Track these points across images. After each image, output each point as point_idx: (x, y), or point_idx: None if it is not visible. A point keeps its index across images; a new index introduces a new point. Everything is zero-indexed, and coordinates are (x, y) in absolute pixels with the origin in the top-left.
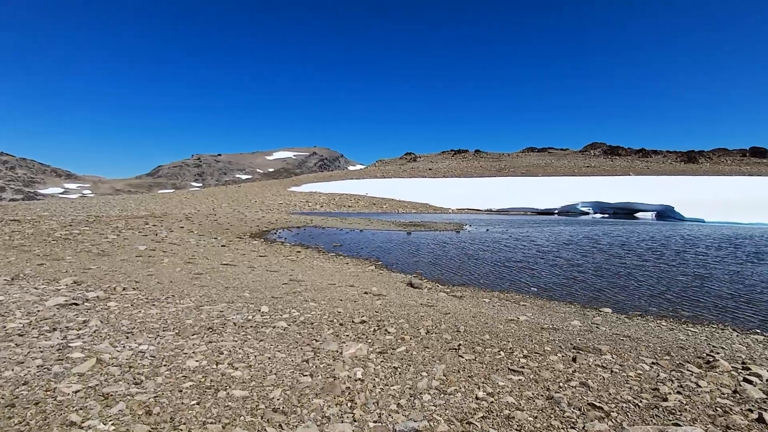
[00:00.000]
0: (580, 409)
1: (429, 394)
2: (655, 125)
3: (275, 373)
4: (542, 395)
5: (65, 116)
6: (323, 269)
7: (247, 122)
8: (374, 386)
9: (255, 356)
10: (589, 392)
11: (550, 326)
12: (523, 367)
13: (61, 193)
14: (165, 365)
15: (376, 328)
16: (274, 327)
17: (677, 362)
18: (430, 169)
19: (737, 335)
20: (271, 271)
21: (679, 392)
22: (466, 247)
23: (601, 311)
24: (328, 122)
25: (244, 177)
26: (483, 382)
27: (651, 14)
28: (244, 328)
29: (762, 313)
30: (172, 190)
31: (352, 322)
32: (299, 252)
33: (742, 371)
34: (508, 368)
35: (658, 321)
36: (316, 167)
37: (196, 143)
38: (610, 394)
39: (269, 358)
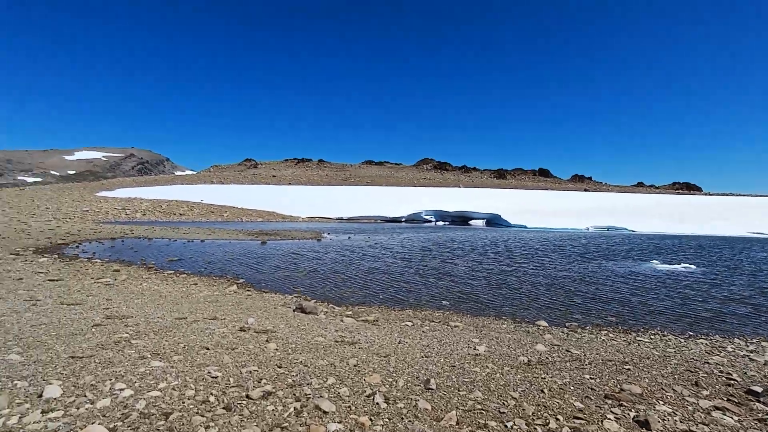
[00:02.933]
0: None
1: None
2: (473, 147)
3: None
4: None
5: None
6: (161, 295)
7: (38, 114)
8: None
9: None
10: None
11: (529, 358)
12: None
13: None
14: None
15: (298, 405)
16: None
17: (728, 396)
18: (274, 176)
19: (687, 340)
20: (71, 305)
21: None
22: (336, 258)
23: (538, 326)
24: (149, 121)
25: (30, 180)
26: None
27: (463, 48)
28: None
29: (668, 315)
30: None
31: (248, 397)
32: (118, 271)
33: None
34: None
35: (605, 332)
36: (134, 171)
37: None
38: None
39: None
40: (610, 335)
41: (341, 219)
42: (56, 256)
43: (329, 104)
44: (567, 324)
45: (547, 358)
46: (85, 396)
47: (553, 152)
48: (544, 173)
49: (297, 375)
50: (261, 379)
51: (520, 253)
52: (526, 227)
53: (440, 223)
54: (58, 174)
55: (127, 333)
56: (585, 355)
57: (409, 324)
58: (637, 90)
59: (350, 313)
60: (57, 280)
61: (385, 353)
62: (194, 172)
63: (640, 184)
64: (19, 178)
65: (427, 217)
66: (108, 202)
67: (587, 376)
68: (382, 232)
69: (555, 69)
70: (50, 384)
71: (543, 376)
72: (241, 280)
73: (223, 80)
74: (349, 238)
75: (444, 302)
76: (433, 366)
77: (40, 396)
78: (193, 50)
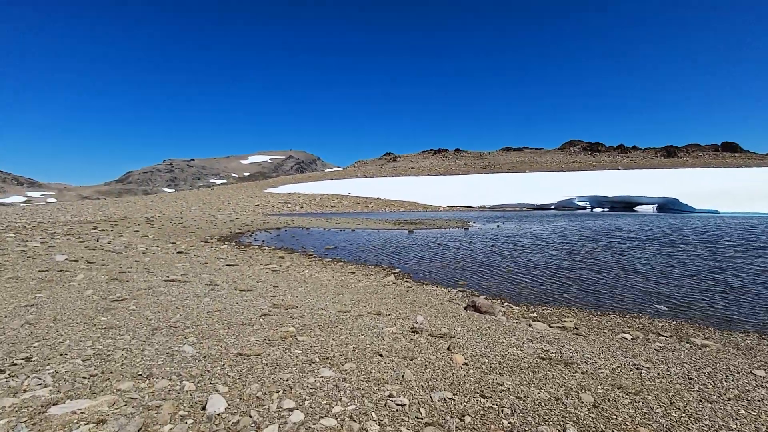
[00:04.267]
0: None
1: None
2: (632, 123)
3: None
4: None
5: (26, 120)
6: (322, 283)
7: (221, 127)
8: None
9: None
10: None
11: None
12: None
13: (23, 202)
14: None
15: None
16: None
17: None
18: (412, 168)
19: None
20: (243, 290)
21: None
22: (489, 248)
23: None
24: (303, 126)
25: (218, 182)
26: None
27: (622, 26)
28: None
29: None
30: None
31: None
32: (282, 258)
33: None
34: None
35: None
36: (292, 170)
37: (168, 148)
38: None
39: None
40: None
41: (483, 207)
42: (234, 243)
43: (464, 93)
44: None
45: None
46: (250, 416)
47: (742, 122)
48: (730, 147)
49: (512, 413)
50: (464, 416)
51: (725, 245)
52: (719, 213)
53: (597, 209)
54: (236, 176)
55: (293, 327)
56: None
57: (628, 337)
58: None
59: (535, 315)
60: (233, 266)
61: (631, 387)
62: (341, 168)
63: None
64: (211, 180)
65: (580, 203)
66: (273, 197)
67: None
68: (530, 220)
69: (745, 18)
70: (216, 392)
71: None
72: (397, 270)
73: (362, 77)
74: (498, 226)
75: (658, 307)
76: (732, 421)
77: (204, 408)
78: (336, 56)
